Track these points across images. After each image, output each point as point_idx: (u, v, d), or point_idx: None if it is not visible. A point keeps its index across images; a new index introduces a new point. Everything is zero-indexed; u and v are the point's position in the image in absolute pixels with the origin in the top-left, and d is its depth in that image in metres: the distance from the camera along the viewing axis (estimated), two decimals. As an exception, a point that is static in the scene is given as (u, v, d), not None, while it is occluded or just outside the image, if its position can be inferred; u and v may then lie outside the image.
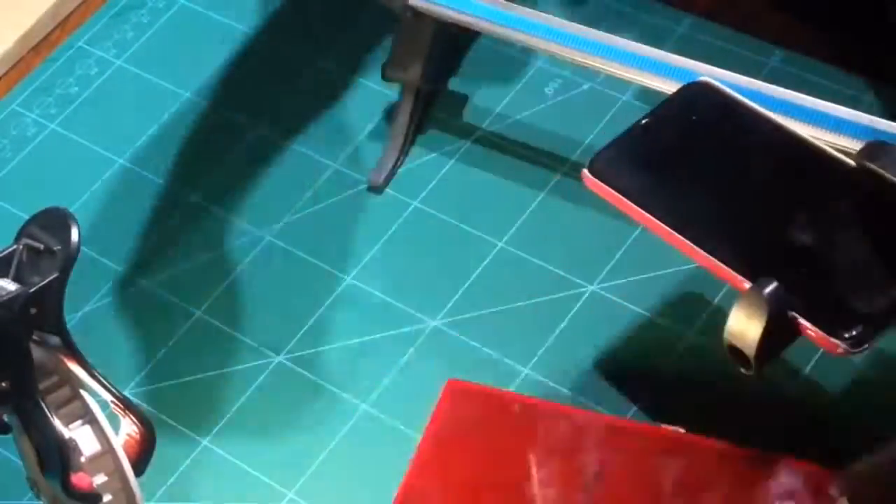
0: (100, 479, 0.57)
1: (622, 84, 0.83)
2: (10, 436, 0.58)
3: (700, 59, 0.82)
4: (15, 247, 0.57)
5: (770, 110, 0.67)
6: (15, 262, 0.57)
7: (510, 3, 0.79)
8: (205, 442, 0.75)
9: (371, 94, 0.87)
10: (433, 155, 0.83)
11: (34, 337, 0.56)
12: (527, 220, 0.79)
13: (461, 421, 0.70)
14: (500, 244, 0.78)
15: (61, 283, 0.55)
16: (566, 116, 0.83)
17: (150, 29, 0.94)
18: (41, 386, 0.56)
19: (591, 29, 0.76)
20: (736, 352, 0.60)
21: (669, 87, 0.72)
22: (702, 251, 0.62)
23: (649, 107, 0.82)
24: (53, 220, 0.57)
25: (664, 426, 0.67)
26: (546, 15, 0.78)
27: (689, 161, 0.66)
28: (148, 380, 0.77)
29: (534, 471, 0.67)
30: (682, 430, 0.67)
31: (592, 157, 0.67)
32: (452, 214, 0.80)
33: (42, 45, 0.95)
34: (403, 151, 0.82)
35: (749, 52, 0.83)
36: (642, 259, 0.75)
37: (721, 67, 0.81)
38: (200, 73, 0.89)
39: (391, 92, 0.86)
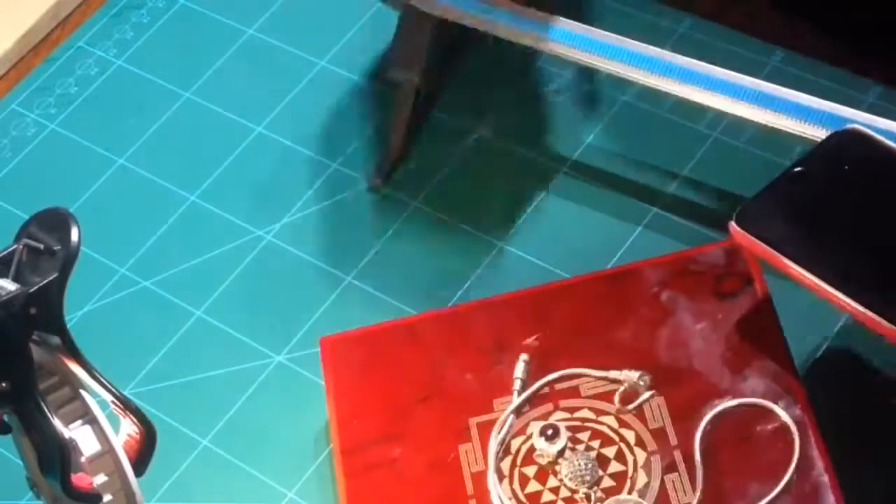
0: (100, 479, 0.57)
1: (622, 84, 0.83)
2: (10, 436, 0.58)
3: (701, 59, 0.83)
4: (15, 247, 0.57)
5: None
6: (15, 262, 0.57)
7: (510, 2, 0.79)
8: (205, 442, 0.75)
9: (371, 94, 0.87)
10: (434, 154, 0.83)
11: (34, 337, 0.55)
12: (527, 219, 0.79)
13: (352, 365, 0.71)
14: (499, 244, 0.78)
15: (61, 283, 0.55)
16: (566, 116, 0.83)
17: (150, 29, 0.94)
18: (41, 386, 0.56)
19: (593, 28, 0.76)
20: None
21: (672, 86, 0.72)
22: (861, 307, 0.61)
23: (650, 107, 0.82)
24: (53, 220, 0.57)
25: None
26: (547, 14, 0.78)
27: (841, 212, 0.64)
28: (148, 380, 0.77)
29: (444, 371, 0.70)
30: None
31: (740, 209, 0.65)
32: (451, 213, 0.80)
33: (42, 44, 0.95)
34: (403, 152, 0.82)
35: (749, 52, 0.83)
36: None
37: (721, 67, 0.81)
38: (200, 73, 0.89)
39: (391, 91, 0.86)
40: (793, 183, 0.65)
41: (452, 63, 0.85)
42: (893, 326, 0.60)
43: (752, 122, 0.72)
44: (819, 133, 0.69)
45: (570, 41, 0.76)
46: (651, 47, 0.75)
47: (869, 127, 0.68)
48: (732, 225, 0.64)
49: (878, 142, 0.65)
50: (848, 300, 0.61)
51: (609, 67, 0.75)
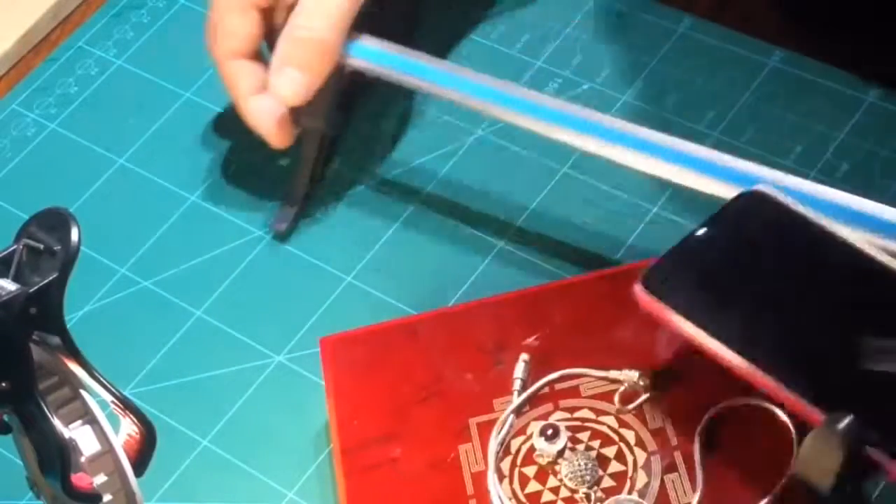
0: (100, 479, 0.57)
1: (622, 84, 0.83)
2: (10, 436, 0.58)
3: (700, 59, 0.83)
4: (15, 247, 0.57)
5: (832, 217, 0.64)
6: (15, 262, 0.57)
7: (410, 50, 0.78)
8: (205, 442, 0.75)
9: (370, 93, 0.86)
10: (434, 154, 0.83)
11: (34, 337, 0.55)
12: (528, 219, 0.79)
13: (352, 365, 0.71)
14: (499, 244, 0.78)
15: (61, 283, 0.55)
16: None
17: (150, 29, 0.94)
18: (41, 386, 0.56)
19: (485, 76, 0.75)
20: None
21: (583, 141, 0.72)
22: (770, 380, 0.58)
23: (650, 107, 0.82)
24: (53, 220, 0.57)
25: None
26: (445, 62, 0.78)
27: (749, 277, 0.62)
28: (148, 380, 0.77)
29: (443, 371, 0.70)
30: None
31: (645, 273, 0.63)
32: (451, 213, 0.80)
33: (42, 44, 0.95)
34: (307, 198, 0.81)
35: (749, 52, 0.83)
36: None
37: (721, 67, 0.82)
38: (200, 73, 0.89)
39: (391, 91, 0.86)
40: (698, 245, 0.63)
41: (354, 104, 0.85)
42: (809, 405, 0.58)
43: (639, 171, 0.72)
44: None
45: (467, 89, 0.75)
46: (557, 101, 0.74)
47: (779, 186, 0.66)
48: (637, 289, 0.62)
49: (785, 204, 0.63)
50: (761, 374, 0.58)
51: (504, 116, 0.75)
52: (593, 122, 0.73)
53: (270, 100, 0.78)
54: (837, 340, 0.59)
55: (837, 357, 0.59)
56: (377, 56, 0.79)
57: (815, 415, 0.57)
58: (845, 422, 0.55)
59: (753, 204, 0.64)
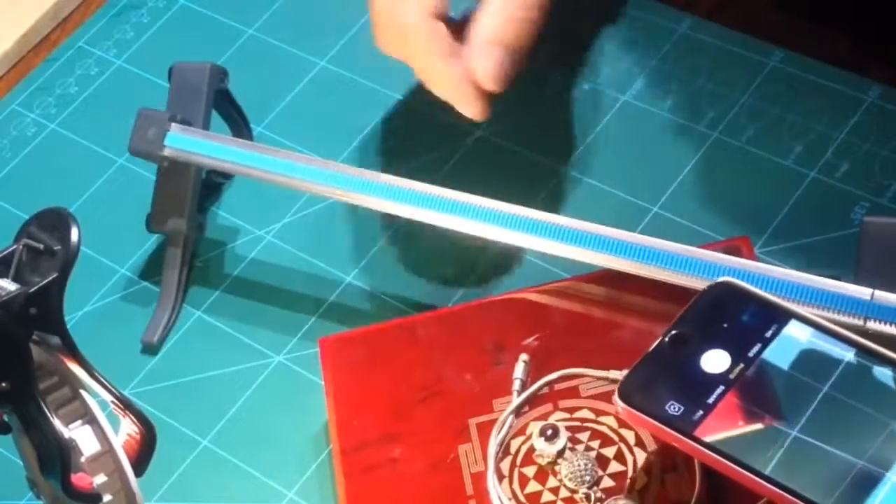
0: (100, 479, 0.57)
1: (622, 84, 0.83)
2: (10, 436, 0.58)
3: (700, 59, 0.83)
4: (15, 247, 0.57)
5: (799, 300, 0.63)
6: (15, 262, 0.57)
7: (264, 146, 0.78)
8: (205, 442, 0.75)
9: (370, 94, 0.87)
10: (433, 155, 0.83)
11: (34, 337, 0.56)
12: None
13: (352, 365, 0.71)
14: (499, 244, 0.78)
15: (61, 283, 0.55)
16: (566, 116, 0.83)
17: (150, 29, 0.94)
18: (41, 386, 0.56)
19: (348, 167, 0.74)
20: None
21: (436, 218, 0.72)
22: (767, 484, 0.56)
23: (650, 107, 0.82)
24: (53, 220, 0.57)
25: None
26: (304, 155, 0.77)
27: (727, 374, 0.60)
28: (148, 380, 0.77)
29: (443, 371, 0.70)
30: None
31: (622, 383, 0.61)
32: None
33: (42, 44, 0.95)
34: (177, 304, 0.80)
35: (749, 52, 0.83)
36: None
37: (721, 67, 0.81)
38: (200, 73, 0.89)
39: (392, 92, 0.86)
40: (672, 346, 0.62)
41: (209, 201, 0.84)
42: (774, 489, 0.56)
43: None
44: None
45: (330, 181, 0.74)
46: (411, 182, 0.73)
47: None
48: (616, 400, 0.61)
49: (754, 293, 0.62)
50: (755, 478, 0.57)
51: (373, 205, 0.73)
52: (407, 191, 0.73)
53: (468, 67, 0.72)
54: (828, 433, 0.57)
55: (829, 451, 0.57)
56: (190, 144, 0.78)
57: None
58: None
59: (720, 295, 0.63)
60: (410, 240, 0.80)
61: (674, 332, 0.62)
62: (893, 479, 0.55)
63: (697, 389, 0.60)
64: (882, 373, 0.59)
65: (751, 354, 0.60)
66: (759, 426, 0.59)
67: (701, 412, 0.59)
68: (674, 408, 0.59)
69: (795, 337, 0.61)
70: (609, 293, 0.71)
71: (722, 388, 0.60)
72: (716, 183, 0.78)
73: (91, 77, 0.92)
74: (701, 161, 0.79)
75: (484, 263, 0.78)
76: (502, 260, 0.78)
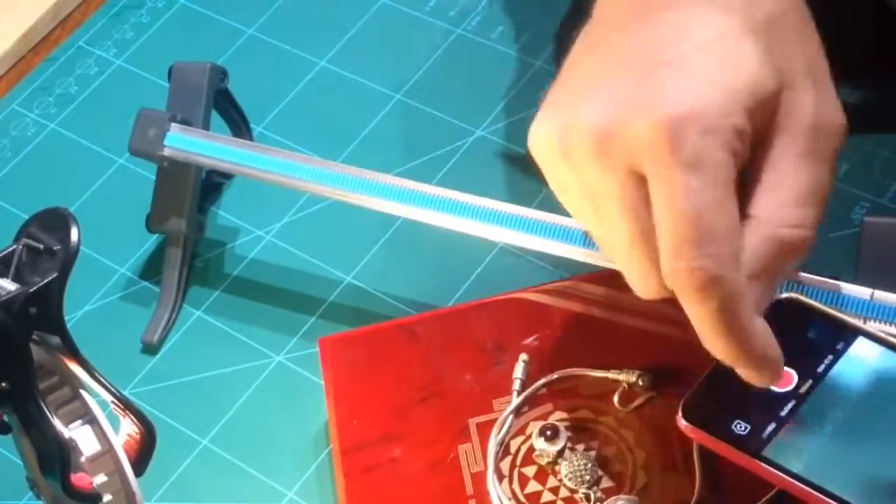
0: (100, 479, 0.57)
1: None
2: (10, 436, 0.58)
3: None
4: (15, 247, 0.57)
5: (864, 317, 0.61)
6: (15, 262, 0.57)
7: (264, 146, 0.78)
8: (205, 442, 0.75)
9: (371, 94, 0.87)
10: (435, 154, 0.83)
11: (34, 337, 0.56)
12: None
13: (352, 365, 0.71)
14: (500, 244, 0.78)
15: (61, 283, 0.55)
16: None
17: (150, 29, 0.94)
18: (41, 386, 0.56)
19: (348, 166, 0.74)
20: None
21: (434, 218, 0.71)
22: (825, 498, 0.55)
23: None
24: (53, 220, 0.57)
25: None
26: (304, 155, 0.77)
27: (795, 392, 0.59)
28: (148, 380, 0.77)
29: (443, 371, 0.70)
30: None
31: (684, 401, 0.59)
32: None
33: (42, 44, 0.95)
34: (177, 304, 0.80)
35: (749, 52, 0.83)
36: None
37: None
38: (200, 73, 0.89)
39: (392, 92, 0.86)
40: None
41: (209, 201, 0.84)
42: None
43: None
44: None
45: (327, 180, 0.74)
46: (418, 183, 0.72)
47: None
48: (679, 419, 0.59)
49: (819, 309, 0.60)
50: (825, 498, 0.56)
51: (372, 206, 0.73)
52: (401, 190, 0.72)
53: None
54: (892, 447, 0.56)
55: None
56: (190, 144, 0.78)
57: None
58: None
59: (785, 314, 0.61)
60: (410, 240, 0.80)
61: None
62: None
63: (764, 407, 0.58)
64: None
65: (818, 371, 0.59)
66: (828, 446, 0.57)
67: (768, 430, 0.58)
68: (740, 426, 0.58)
69: (863, 353, 0.59)
70: (609, 293, 0.71)
71: (789, 405, 0.58)
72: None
73: (91, 77, 0.92)
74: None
75: (484, 263, 0.78)
76: (502, 260, 0.78)
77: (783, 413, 0.58)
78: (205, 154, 0.77)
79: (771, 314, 0.59)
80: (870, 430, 0.57)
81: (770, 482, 0.58)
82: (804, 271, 0.64)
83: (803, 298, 0.61)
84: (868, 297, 0.63)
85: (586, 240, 0.68)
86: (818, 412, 0.58)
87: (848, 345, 0.60)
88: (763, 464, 0.57)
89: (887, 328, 0.62)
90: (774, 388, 0.58)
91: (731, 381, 0.58)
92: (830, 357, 0.59)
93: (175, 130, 0.78)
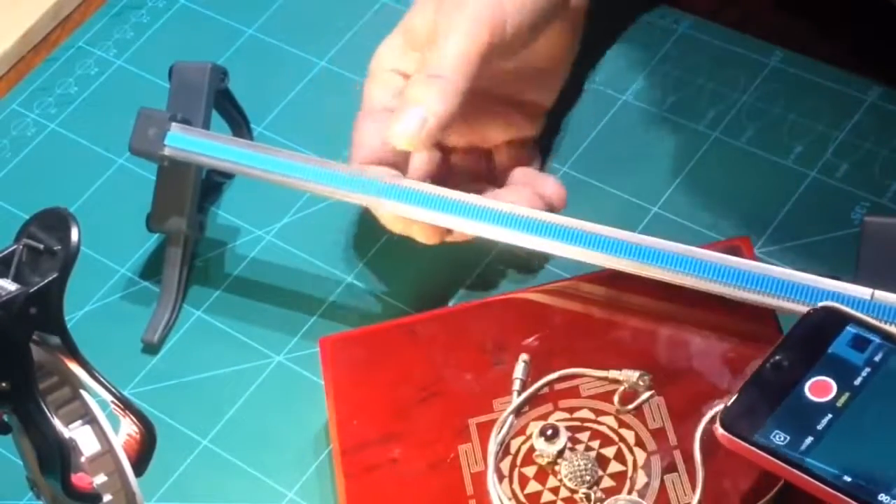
0: (100, 479, 0.57)
1: (622, 84, 0.83)
2: (10, 436, 0.58)
3: (700, 59, 0.83)
4: (15, 247, 0.57)
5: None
6: (15, 262, 0.57)
7: (265, 146, 0.78)
8: (205, 442, 0.75)
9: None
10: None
11: (34, 337, 0.55)
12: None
13: (352, 365, 0.71)
14: (499, 244, 0.78)
15: (61, 283, 0.55)
16: (565, 117, 0.83)
17: (150, 29, 0.94)
18: (41, 386, 0.56)
19: (347, 166, 0.74)
20: None
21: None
22: None
23: (650, 107, 0.82)
24: (53, 220, 0.57)
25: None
26: (304, 155, 0.77)
27: (835, 401, 0.59)
28: (148, 380, 0.77)
29: (443, 371, 0.70)
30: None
31: (724, 412, 0.59)
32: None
33: (42, 44, 0.95)
34: (177, 303, 0.80)
35: (749, 52, 0.83)
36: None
37: (721, 67, 0.81)
38: (200, 73, 0.89)
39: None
40: (773, 372, 0.60)
41: (209, 201, 0.84)
42: None
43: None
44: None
45: (331, 181, 0.74)
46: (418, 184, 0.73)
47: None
48: (717, 429, 0.59)
49: (857, 318, 0.61)
50: (851, 501, 0.55)
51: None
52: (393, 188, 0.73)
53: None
54: None
55: None
56: (190, 144, 0.78)
57: None
58: None
59: (823, 322, 0.61)
60: (410, 240, 0.80)
61: (776, 358, 0.61)
62: None
63: (803, 418, 0.58)
64: None
65: (857, 382, 0.59)
66: (868, 457, 0.57)
67: (808, 442, 0.57)
68: (779, 437, 0.58)
69: None
70: (609, 293, 0.71)
71: (829, 416, 0.58)
72: (716, 183, 0.78)
73: (91, 77, 0.92)
74: (701, 161, 0.79)
75: (484, 263, 0.78)
76: (502, 260, 0.78)
77: (822, 424, 0.58)
78: (205, 153, 0.77)
79: (808, 322, 0.60)
80: None
81: (811, 493, 0.57)
82: (803, 272, 0.65)
83: (841, 307, 0.61)
84: (868, 297, 0.63)
85: (585, 239, 0.68)
86: (857, 423, 0.58)
87: (889, 353, 0.59)
88: (803, 474, 0.57)
89: (888, 328, 0.62)
90: (813, 398, 0.58)
91: (769, 393, 0.58)
92: (869, 369, 0.59)
93: (175, 130, 0.78)
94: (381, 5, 0.91)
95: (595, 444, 0.66)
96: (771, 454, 0.58)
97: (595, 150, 0.81)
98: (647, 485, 0.65)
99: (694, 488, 0.63)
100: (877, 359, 0.60)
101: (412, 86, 0.72)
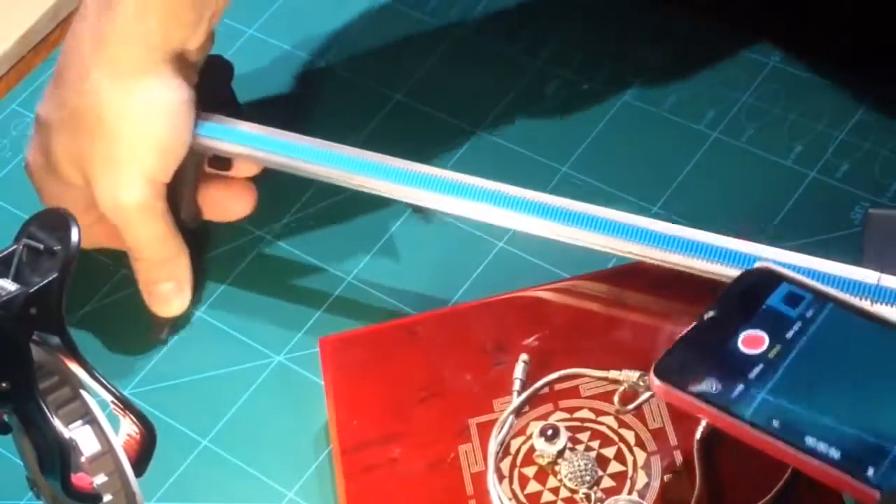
0: (100, 479, 0.57)
1: (622, 84, 0.83)
2: (10, 436, 0.58)
3: (700, 59, 0.83)
4: (15, 247, 0.57)
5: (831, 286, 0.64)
6: (15, 262, 0.57)
7: (269, 128, 0.77)
8: (205, 442, 0.75)
9: (371, 94, 0.87)
10: (433, 156, 0.83)
11: (34, 337, 0.55)
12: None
13: (352, 365, 0.71)
14: (499, 244, 0.78)
15: (61, 283, 0.55)
16: (565, 116, 0.83)
17: (150, 29, 0.94)
18: (41, 386, 0.56)
19: (357, 149, 0.75)
20: None
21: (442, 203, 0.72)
22: (812, 460, 0.57)
23: (650, 107, 0.82)
24: (53, 220, 0.57)
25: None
26: (310, 138, 0.77)
27: (765, 355, 0.61)
28: (148, 380, 0.77)
29: (443, 371, 0.70)
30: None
31: (658, 361, 0.61)
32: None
33: (42, 45, 0.95)
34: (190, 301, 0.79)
35: (749, 52, 0.83)
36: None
37: (721, 67, 0.81)
38: (200, 73, 0.89)
39: (391, 92, 0.86)
40: (710, 327, 0.62)
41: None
42: (857, 481, 0.56)
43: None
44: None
45: (341, 164, 0.75)
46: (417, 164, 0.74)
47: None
48: (652, 378, 0.61)
49: (792, 277, 0.63)
50: (798, 453, 0.57)
51: (375, 187, 0.74)
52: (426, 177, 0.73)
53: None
54: (863, 408, 0.58)
55: (875, 428, 0.57)
56: (228, 134, 0.77)
57: (870, 493, 0.55)
58: None
59: (759, 282, 0.64)
60: (411, 240, 0.80)
61: (711, 313, 0.63)
62: None
63: (735, 368, 0.60)
64: None
65: (788, 335, 0.61)
66: (796, 404, 0.59)
67: (739, 389, 0.60)
68: (711, 385, 0.60)
69: (833, 320, 0.62)
70: (609, 293, 0.71)
71: (760, 366, 0.60)
72: (716, 183, 0.78)
73: (91, 77, 0.92)
74: (701, 161, 0.79)
75: (484, 263, 0.78)
76: (502, 260, 0.78)
77: (753, 374, 0.60)
78: (208, 135, 0.77)
79: (745, 282, 0.63)
80: (836, 390, 0.59)
81: (741, 439, 0.59)
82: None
83: (776, 268, 0.64)
84: (875, 282, 0.65)
85: (601, 224, 0.69)
86: (787, 372, 0.60)
87: (819, 312, 0.62)
88: (734, 419, 0.59)
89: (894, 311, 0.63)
90: (746, 350, 0.61)
91: (704, 345, 0.61)
92: (801, 323, 0.62)
93: None
94: (381, 5, 0.91)
95: (595, 444, 0.66)
96: (703, 401, 0.59)
97: (595, 150, 0.81)
98: (647, 485, 0.65)
99: (694, 488, 0.63)
100: (808, 314, 0.62)
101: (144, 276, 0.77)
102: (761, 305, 0.62)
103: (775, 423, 0.58)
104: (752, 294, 0.63)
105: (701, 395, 0.60)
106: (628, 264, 0.72)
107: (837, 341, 0.61)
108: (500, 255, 0.78)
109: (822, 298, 0.62)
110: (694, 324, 0.63)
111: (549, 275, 0.76)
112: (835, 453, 0.56)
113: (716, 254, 0.68)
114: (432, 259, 0.78)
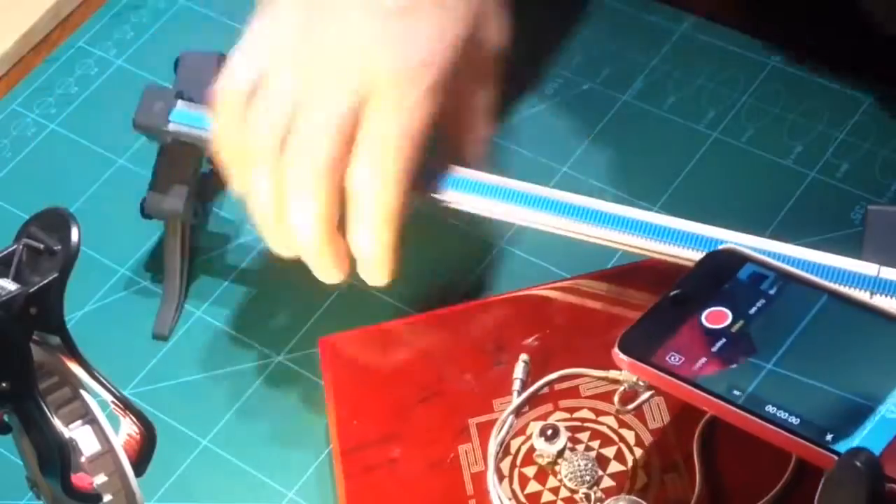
0: (100, 479, 0.57)
1: (622, 84, 0.83)
2: (10, 436, 0.58)
3: (700, 59, 0.83)
4: (15, 247, 0.57)
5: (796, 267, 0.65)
6: (15, 262, 0.57)
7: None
8: (205, 442, 0.75)
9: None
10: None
11: (34, 337, 0.55)
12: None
13: (352, 365, 0.72)
14: (499, 244, 0.78)
15: (61, 283, 0.55)
16: (565, 116, 0.83)
17: (150, 29, 0.94)
18: (41, 386, 0.56)
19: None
20: None
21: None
22: (771, 426, 0.58)
23: (650, 107, 0.82)
24: (53, 220, 0.57)
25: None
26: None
27: (727, 329, 0.62)
28: (148, 380, 0.77)
29: (443, 371, 0.70)
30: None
31: (622, 336, 0.62)
32: (452, 213, 0.80)
33: (42, 44, 0.95)
34: (182, 294, 0.79)
35: (749, 52, 0.83)
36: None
37: (721, 67, 0.81)
38: (200, 73, 0.89)
39: (391, 92, 0.86)
40: (673, 305, 0.63)
41: (212, 194, 0.83)
42: (817, 446, 0.57)
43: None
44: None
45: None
46: None
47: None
48: (616, 352, 0.62)
49: (754, 257, 0.65)
50: (759, 421, 0.58)
51: None
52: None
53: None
54: (824, 374, 0.60)
55: (833, 396, 0.59)
56: (196, 120, 0.76)
57: (829, 457, 0.56)
58: (863, 458, 0.54)
59: (723, 262, 0.65)
60: (410, 240, 0.80)
61: (675, 291, 0.64)
62: (882, 411, 0.57)
63: (698, 342, 0.62)
64: (870, 321, 0.61)
65: (751, 312, 0.62)
66: (758, 375, 0.60)
67: (702, 362, 0.61)
68: (674, 358, 0.61)
69: (793, 297, 0.63)
70: (609, 293, 0.71)
71: (723, 340, 0.61)
72: (716, 183, 0.78)
73: (91, 77, 0.92)
74: (701, 161, 0.79)
75: (484, 263, 0.78)
76: (502, 260, 0.78)
77: (715, 347, 0.61)
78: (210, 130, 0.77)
79: (709, 262, 0.65)
80: (796, 361, 0.60)
81: (705, 409, 0.61)
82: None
83: (740, 248, 0.65)
84: (875, 273, 0.66)
85: (603, 218, 0.70)
86: (749, 346, 0.61)
87: (780, 290, 0.63)
88: (695, 389, 0.60)
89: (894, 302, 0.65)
90: (709, 325, 0.62)
91: (668, 321, 0.62)
92: (763, 300, 0.63)
93: (182, 107, 0.77)
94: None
95: (595, 444, 0.66)
96: (665, 373, 0.60)
97: (596, 150, 0.81)
98: (647, 485, 0.65)
99: (694, 488, 0.64)
100: (771, 292, 0.63)
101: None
102: (725, 284, 0.64)
103: (736, 393, 0.59)
104: (716, 273, 0.64)
105: (664, 368, 0.61)
106: (628, 264, 0.72)
107: (797, 316, 0.62)
108: (500, 255, 0.78)
109: (784, 277, 0.64)
110: (658, 301, 0.64)
111: (549, 274, 0.76)
112: (794, 420, 0.58)
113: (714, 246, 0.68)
114: (432, 259, 0.78)
